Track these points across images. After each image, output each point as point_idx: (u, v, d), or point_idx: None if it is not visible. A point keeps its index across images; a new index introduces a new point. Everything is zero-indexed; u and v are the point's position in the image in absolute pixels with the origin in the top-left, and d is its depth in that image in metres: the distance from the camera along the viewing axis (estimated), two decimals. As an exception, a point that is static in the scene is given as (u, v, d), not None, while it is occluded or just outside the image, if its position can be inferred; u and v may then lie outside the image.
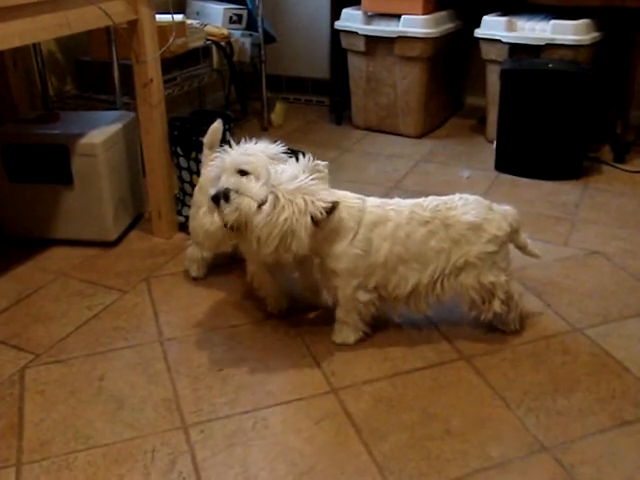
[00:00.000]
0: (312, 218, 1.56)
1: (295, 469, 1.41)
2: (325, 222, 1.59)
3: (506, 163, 2.94)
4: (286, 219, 1.54)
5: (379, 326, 1.85)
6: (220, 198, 1.57)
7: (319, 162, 1.64)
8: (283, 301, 1.95)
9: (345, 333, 1.80)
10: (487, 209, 1.76)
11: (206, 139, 2.05)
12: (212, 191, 1.61)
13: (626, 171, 2.93)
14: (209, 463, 1.43)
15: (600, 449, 1.45)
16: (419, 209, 1.73)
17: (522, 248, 1.86)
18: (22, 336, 1.87)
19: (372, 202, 1.74)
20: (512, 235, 1.79)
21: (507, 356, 1.76)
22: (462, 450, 1.46)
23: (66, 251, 2.31)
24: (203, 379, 1.69)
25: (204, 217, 2.01)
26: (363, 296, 1.74)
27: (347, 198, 1.71)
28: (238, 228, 1.58)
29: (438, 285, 1.75)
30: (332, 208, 1.58)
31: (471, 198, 1.77)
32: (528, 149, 2.88)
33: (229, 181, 1.66)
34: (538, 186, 2.80)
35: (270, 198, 1.54)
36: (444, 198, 1.77)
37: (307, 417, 1.56)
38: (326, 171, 1.65)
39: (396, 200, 1.77)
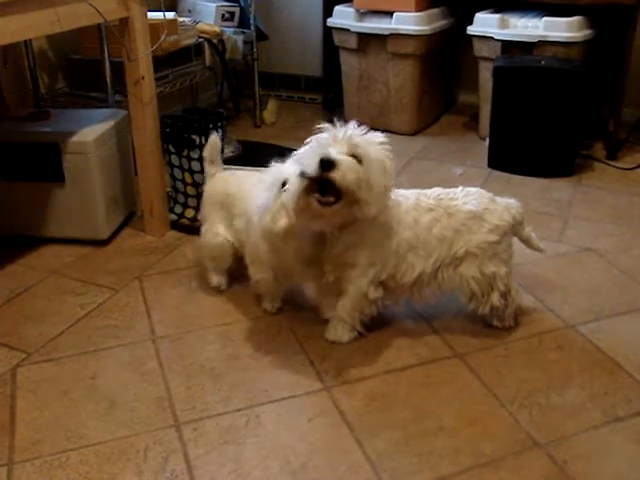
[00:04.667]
0: None
1: (288, 466, 1.41)
2: None
3: (499, 160, 2.95)
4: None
5: (372, 324, 1.84)
6: (329, 165, 1.49)
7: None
8: (279, 300, 1.94)
9: (340, 331, 1.79)
10: (489, 200, 1.77)
11: (205, 153, 2.03)
12: (316, 159, 1.51)
13: (618, 168, 2.93)
14: (202, 461, 1.43)
15: (593, 445, 1.46)
16: (423, 197, 1.76)
17: (526, 241, 1.88)
18: (13, 335, 1.86)
19: None
20: (516, 228, 1.81)
21: (500, 353, 1.76)
22: (455, 447, 1.46)
23: (58, 249, 2.29)
24: (196, 377, 1.69)
25: (207, 233, 1.99)
26: (373, 293, 1.73)
27: None
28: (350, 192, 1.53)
29: (439, 274, 1.75)
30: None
31: (473, 190, 1.79)
32: (521, 146, 2.88)
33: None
34: (531, 183, 2.80)
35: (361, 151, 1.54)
36: (447, 190, 1.79)
37: (300, 415, 1.56)
38: None
39: (400, 191, 1.78)
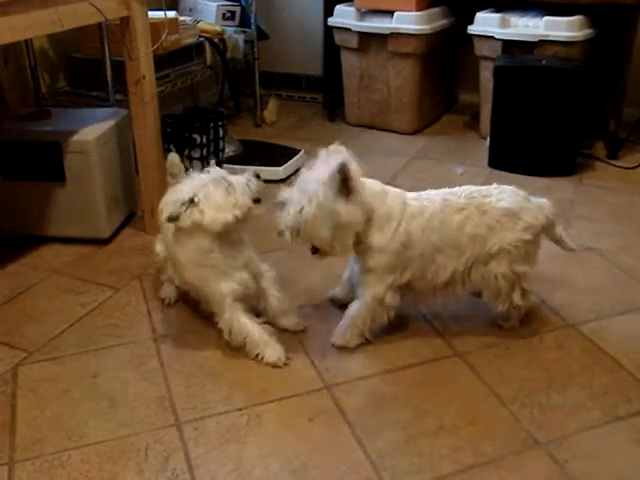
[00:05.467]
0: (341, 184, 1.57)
1: (289, 466, 1.41)
2: (352, 185, 1.58)
3: (500, 159, 2.94)
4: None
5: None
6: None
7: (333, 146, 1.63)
8: (278, 345, 1.74)
9: (349, 337, 1.77)
10: (524, 198, 1.77)
11: (168, 170, 1.99)
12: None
13: (619, 167, 2.93)
14: (203, 460, 1.43)
15: (593, 444, 1.46)
16: (452, 197, 1.74)
17: (558, 242, 1.87)
18: (15, 334, 1.86)
19: (410, 195, 1.74)
20: (548, 228, 1.80)
21: (501, 352, 1.76)
22: (456, 446, 1.46)
23: (59, 248, 2.29)
24: (196, 376, 1.69)
25: (158, 245, 1.94)
26: (389, 299, 1.72)
27: (390, 189, 1.72)
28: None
29: (472, 272, 1.74)
30: (341, 166, 1.55)
31: (507, 188, 1.78)
32: (522, 145, 2.88)
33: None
34: (532, 182, 2.79)
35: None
36: (480, 187, 1.78)
37: (301, 414, 1.56)
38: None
39: (427, 191, 1.77)
